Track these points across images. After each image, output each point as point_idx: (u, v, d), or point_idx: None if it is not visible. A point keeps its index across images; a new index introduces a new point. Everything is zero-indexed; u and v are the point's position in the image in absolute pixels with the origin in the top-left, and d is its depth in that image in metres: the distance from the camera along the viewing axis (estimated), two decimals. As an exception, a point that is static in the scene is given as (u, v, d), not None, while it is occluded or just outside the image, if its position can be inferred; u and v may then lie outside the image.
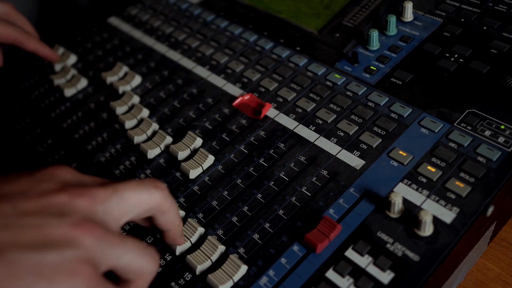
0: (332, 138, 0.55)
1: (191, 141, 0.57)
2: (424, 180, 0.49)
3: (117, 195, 0.38)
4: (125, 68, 0.70)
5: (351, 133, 0.55)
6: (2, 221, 0.33)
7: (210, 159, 0.55)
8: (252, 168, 0.54)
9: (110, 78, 0.70)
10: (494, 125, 0.52)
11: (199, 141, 0.57)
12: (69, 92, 0.70)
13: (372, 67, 0.61)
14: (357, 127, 0.55)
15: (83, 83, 0.71)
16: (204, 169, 0.55)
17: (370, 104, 0.57)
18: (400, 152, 0.51)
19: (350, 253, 0.45)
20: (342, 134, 0.55)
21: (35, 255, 0.32)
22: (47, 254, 0.32)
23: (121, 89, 0.68)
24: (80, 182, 0.39)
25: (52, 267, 0.32)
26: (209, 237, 0.48)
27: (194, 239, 0.49)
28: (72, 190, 0.36)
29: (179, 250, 0.48)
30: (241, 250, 0.48)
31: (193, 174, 0.55)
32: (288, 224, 0.49)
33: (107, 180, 0.40)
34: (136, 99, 0.65)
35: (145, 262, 0.38)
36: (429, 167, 0.49)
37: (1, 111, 0.71)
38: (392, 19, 0.63)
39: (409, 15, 0.65)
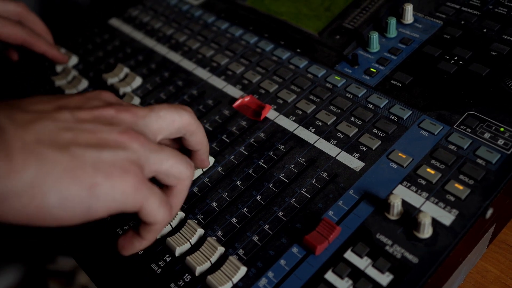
0: (332, 140, 0.55)
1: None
2: (423, 182, 0.49)
3: (154, 112, 0.43)
4: (125, 70, 0.70)
5: (350, 135, 0.55)
6: (63, 124, 0.38)
7: (210, 160, 0.55)
8: (252, 170, 0.54)
9: (111, 80, 0.70)
10: (493, 128, 0.52)
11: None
12: (70, 93, 0.70)
13: (372, 69, 0.61)
14: (357, 129, 0.55)
15: (83, 84, 0.71)
16: (204, 170, 0.55)
17: (370, 106, 0.57)
18: (400, 154, 0.51)
19: (349, 255, 0.45)
20: (341, 136, 0.55)
21: (94, 152, 0.37)
22: (102, 152, 0.37)
23: (121, 91, 0.68)
24: (121, 103, 0.44)
25: (108, 163, 0.37)
26: (208, 238, 0.48)
27: (193, 240, 0.49)
28: (117, 107, 0.42)
29: (178, 251, 0.49)
30: (241, 252, 0.48)
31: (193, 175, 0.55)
32: (288, 226, 0.49)
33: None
34: (136, 101, 0.66)
35: (183, 167, 0.43)
36: (428, 169, 0.49)
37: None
38: (392, 21, 0.63)
39: (409, 17, 0.65)
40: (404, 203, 0.48)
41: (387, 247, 0.45)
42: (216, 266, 0.47)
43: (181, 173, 0.43)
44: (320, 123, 0.57)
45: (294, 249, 0.47)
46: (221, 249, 0.48)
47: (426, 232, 0.45)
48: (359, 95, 0.58)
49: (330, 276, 0.44)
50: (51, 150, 0.36)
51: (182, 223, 0.51)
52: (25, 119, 0.37)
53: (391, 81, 0.59)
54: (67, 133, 0.37)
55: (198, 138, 0.48)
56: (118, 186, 0.37)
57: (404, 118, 0.55)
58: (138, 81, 0.69)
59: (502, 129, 0.51)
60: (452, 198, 0.47)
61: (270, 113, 0.59)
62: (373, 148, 0.53)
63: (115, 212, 0.38)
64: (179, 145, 0.49)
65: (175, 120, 0.44)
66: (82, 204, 0.36)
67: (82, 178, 0.36)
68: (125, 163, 0.38)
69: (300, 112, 0.59)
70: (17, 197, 0.34)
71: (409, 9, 0.64)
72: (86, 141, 0.38)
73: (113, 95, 0.45)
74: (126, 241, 0.44)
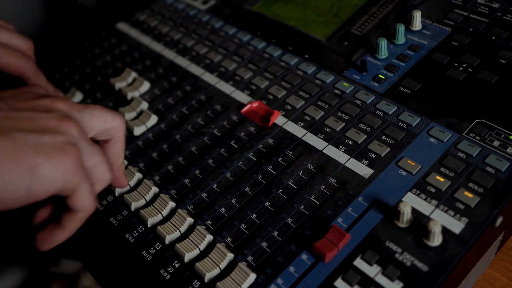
0: (341, 147, 0.55)
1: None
2: (432, 190, 0.49)
3: (89, 109, 0.45)
4: (133, 74, 0.71)
5: (359, 142, 0.55)
6: (0, 113, 0.39)
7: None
8: (260, 176, 0.54)
9: (119, 84, 0.70)
10: (503, 135, 0.52)
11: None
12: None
13: (380, 76, 0.61)
14: (366, 136, 0.55)
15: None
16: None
17: (378, 112, 0.57)
18: (409, 161, 0.51)
19: (358, 262, 0.45)
20: (350, 142, 0.55)
21: (34, 136, 0.39)
22: (43, 136, 0.39)
23: (129, 95, 0.68)
24: (57, 94, 0.46)
25: (48, 145, 0.39)
26: (217, 244, 0.48)
27: (202, 246, 0.49)
28: (53, 97, 0.44)
29: (187, 257, 0.49)
30: (250, 258, 0.48)
31: (202, 181, 0.55)
32: (297, 233, 0.49)
33: None
34: (144, 105, 0.66)
35: (115, 121, 0.47)
36: (437, 177, 0.49)
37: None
38: (401, 28, 0.63)
39: (417, 24, 0.65)
40: (414, 210, 0.48)
41: (397, 255, 0.45)
42: (225, 273, 0.47)
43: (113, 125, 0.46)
44: (328, 130, 0.57)
45: (304, 256, 0.47)
46: (230, 256, 0.48)
47: (436, 240, 0.45)
48: (368, 102, 0.59)
49: (339, 283, 0.44)
50: None
51: (191, 229, 0.51)
52: None
53: (400, 88, 0.59)
54: (5, 120, 0.39)
55: (120, 148, 0.49)
56: (58, 166, 0.39)
57: (413, 125, 0.55)
58: (146, 85, 0.69)
59: (511, 137, 0.51)
60: (462, 206, 0.47)
61: (279, 119, 0.60)
62: (382, 155, 0.53)
63: (54, 193, 0.40)
64: None
65: (108, 120, 0.46)
66: (23, 185, 0.37)
67: (23, 159, 0.37)
68: (65, 146, 0.40)
69: (308, 118, 0.59)
70: None
71: (417, 16, 0.65)
72: (26, 126, 0.39)
73: (46, 89, 0.47)
74: (45, 234, 0.44)
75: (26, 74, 0.68)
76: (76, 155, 0.40)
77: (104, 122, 0.46)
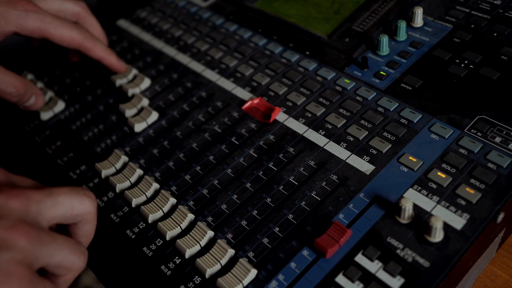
0: (342, 143, 0.55)
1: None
2: (434, 186, 0.49)
3: (51, 198, 0.40)
4: (134, 71, 0.71)
5: (361, 138, 0.55)
6: None
7: None
8: (261, 172, 0.54)
9: (120, 81, 0.70)
10: (504, 132, 0.52)
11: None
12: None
13: (381, 73, 0.61)
14: (367, 132, 0.55)
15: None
16: (214, 172, 0.55)
17: (380, 109, 0.57)
18: (410, 157, 0.51)
19: (360, 258, 0.45)
20: (351, 139, 0.55)
21: None
22: None
23: (130, 92, 0.68)
24: (12, 183, 0.41)
25: None
26: (218, 240, 0.48)
27: (203, 242, 0.49)
28: (8, 191, 0.38)
29: (188, 253, 0.49)
30: (251, 254, 0.48)
31: (203, 177, 0.55)
32: (298, 229, 0.49)
33: (38, 183, 0.42)
34: (145, 102, 0.66)
35: (76, 258, 0.40)
36: (439, 173, 0.49)
37: (8, 111, 0.71)
38: (402, 24, 0.63)
39: (419, 21, 0.65)
40: (415, 207, 0.48)
41: (398, 251, 0.45)
42: (226, 269, 0.47)
43: (73, 263, 0.40)
44: (330, 126, 0.57)
45: (305, 252, 0.47)
46: (231, 252, 0.48)
47: (438, 236, 0.45)
48: (369, 98, 0.58)
49: (341, 279, 0.44)
50: None
51: (192, 225, 0.51)
52: None
53: (401, 85, 0.59)
54: None
55: (89, 229, 0.44)
56: None
57: (415, 121, 0.55)
58: (146, 82, 0.69)
59: (513, 134, 0.51)
60: (463, 202, 0.47)
61: (280, 116, 0.59)
62: (384, 151, 0.53)
63: None
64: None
65: (75, 207, 0.41)
66: None
67: None
68: (9, 266, 0.35)
69: (309, 115, 0.59)
70: None
71: (419, 12, 0.64)
72: None
73: (2, 171, 0.42)
74: None
75: (83, 45, 0.64)
76: (22, 275, 0.35)
77: (70, 209, 0.41)
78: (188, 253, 0.49)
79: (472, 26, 0.63)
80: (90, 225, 0.44)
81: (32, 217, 0.38)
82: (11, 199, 0.38)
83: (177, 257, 0.49)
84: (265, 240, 0.48)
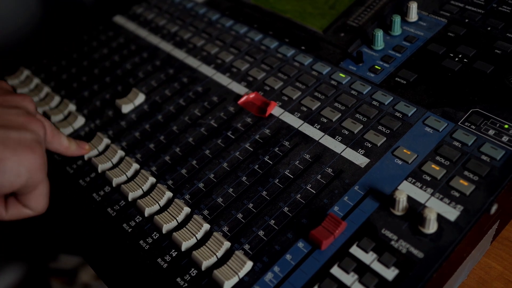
0: (337, 137, 0.55)
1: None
2: (428, 178, 0.49)
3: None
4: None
5: (355, 132, 0.55)
6: None
7: None
8: (257, 166, 0.54)
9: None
10: (498, 125, 0.52)
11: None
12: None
13: (376, 67, 0.61)
14: (362, 126, 0.55)
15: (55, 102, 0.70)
16: (210, 166, 0.56)
17: (374, 103, 0.57)
18: (405, 150, 0.52)
19: (354, 250, 0.45)
20: (346, 132, 0.55)
21: (1, 131, 0.40)
22: (10, 132, 0.40)
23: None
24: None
25: (15, 141, 0.40)
26: (214, 233, 0.49)
27: (199, 235, 0.49)
28: (22, 95, 0.46)
29: (184, 246, 0.49)
30: (247, 247, 0.48)
31: (199, 171, 0.55)
32: (293, 221, 0.49)
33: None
34: (141, 97, 0.66)
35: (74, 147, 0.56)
36: (433, 166, 0.50)
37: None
38: (397, 19, 0.64)
39: (413, 16, 0.65)
40: (409, 199, 0.48)
41: (393, 242, 0.45)
42: (222, 261, 0.47)
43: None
44: (325, 120, 0.57)
45: (300, 244, 0.47)
46: (227, 244, 0.48)
47: (431, 227, 0.45)
48: (364, 92, 0.59)
49: (336, 270, 0.44)
50: None
51: (188, 218, 0.51)
52: None
53: (396, 79, 0.59)
54: None
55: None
56: (24, 162, 0.40)
57: (409, 115, 0.55)
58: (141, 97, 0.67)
59: (506, 126, 0.52)
60: (457, 194, 0.47)
61: (275, 110, 0.60)
62: (378, 144, 0.53)
63: (18, 188, 0.41)
64: None
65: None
66: None
67: None
68: (32, 143, 0.41)
69: (305, 109, 0.59)
70: None
71: (413, 7, 0.65)
72: None
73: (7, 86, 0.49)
74: None
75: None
76: (42, 154, 0.41)
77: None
78: (184, 246, 0.49)
79: (466, 20, 0.64)
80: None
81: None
82: (27, 100, 0.46)
83: (173, 250, 0.49)
84: (261, 233, 0.49)
